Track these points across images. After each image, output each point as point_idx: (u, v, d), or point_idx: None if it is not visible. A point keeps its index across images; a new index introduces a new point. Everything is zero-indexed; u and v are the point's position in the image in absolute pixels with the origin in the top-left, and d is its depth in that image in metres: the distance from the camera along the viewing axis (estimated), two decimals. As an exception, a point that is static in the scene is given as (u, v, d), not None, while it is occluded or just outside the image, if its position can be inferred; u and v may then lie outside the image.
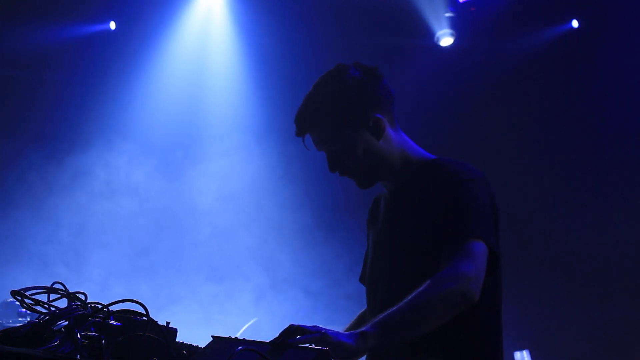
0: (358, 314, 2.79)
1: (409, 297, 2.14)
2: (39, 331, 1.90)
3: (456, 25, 7.47)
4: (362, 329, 2.07)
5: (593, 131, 7.38)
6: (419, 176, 2.50)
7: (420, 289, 2.15)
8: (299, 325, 2.02)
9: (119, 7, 7.58)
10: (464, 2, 7.32)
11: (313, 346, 1.91)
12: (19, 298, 2.09)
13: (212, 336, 2.10)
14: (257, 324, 6.26)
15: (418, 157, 2.55)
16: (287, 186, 7.74)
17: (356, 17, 7.39)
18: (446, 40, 7.55)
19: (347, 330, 2.71)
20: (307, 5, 7.32)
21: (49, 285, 2.16)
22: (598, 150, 7.38)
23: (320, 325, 2.05)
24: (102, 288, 7.02)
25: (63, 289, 2.17)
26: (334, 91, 2.48)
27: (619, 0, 7.22)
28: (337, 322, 2.99)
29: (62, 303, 2.13)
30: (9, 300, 4.58)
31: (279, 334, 2.01)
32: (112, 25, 7.73)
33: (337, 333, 2.03)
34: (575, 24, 7.42)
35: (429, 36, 7.60)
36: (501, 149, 7.55)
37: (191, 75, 7.95)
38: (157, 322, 2.01)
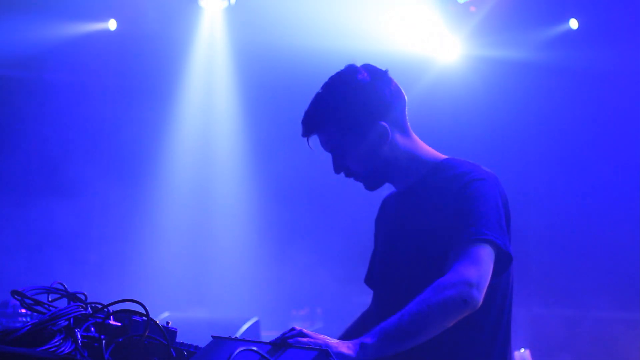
0: (359, 315, 2.78)
1: (410, 305, 2.12)
2: (39, 331, 1.89)
3: (455, 30, 7.47)
4: (362, 338, 2.06)
5: (592, 132, 7.38)
6: (429, 176, 2.48)
7: (422, 296, 2.14)
8: (301, 330, 2.01)
9: (119, 6, 7.56)
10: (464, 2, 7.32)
11: (312, 345, 1.92)
12: (19, 298, 2.08)
13: (212, 336, 2.10)
14: (257, 324, 6.26)
15: (429, 158, 2.52)
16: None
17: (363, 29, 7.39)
18: (451, 52, 7.60)
19: (346, 331, 2.70)
20: (306, 14, 7.31)
21: (49, 285, 2.16)
22: (597, 151, 7.37)
23: (322, 335, 2.04)
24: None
25: (63, 289, 2.17)
26: (341, 97, 2.46)
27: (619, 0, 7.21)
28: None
29: (62, 303, 2.13)
30: (9, 301, 4.58)
31: (280, 335, 2.01)
32: (113, 24, 7.71)
33: (338, 343, 2.02)
34: (574, 24, 7.39)
35: (432, 46, 7.62)
36: (501, 150, 7.55)
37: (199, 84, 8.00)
38: (157, 322, 2.01)
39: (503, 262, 2.31)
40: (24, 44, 7.30)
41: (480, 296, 2.17)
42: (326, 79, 2.54)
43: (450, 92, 7.67)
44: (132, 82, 7.82)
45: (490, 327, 2.40)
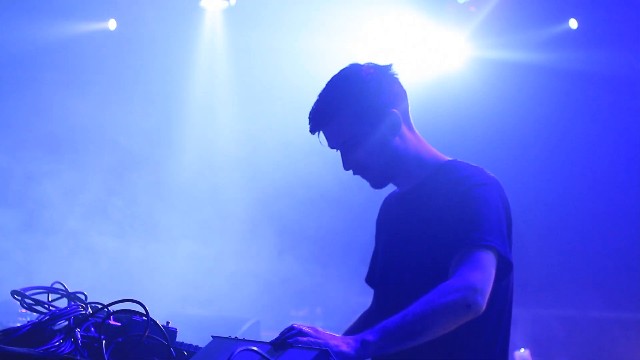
0: (359, 315, 2.78)
1: (413, 305, 2.12)
2: (39, 331, 1.90)
3: (456, 30, 7.47)
4: (363, 335, 2.06)
5: (591, 132, 7.38)
6: (433, 178, 2.48)
7: (426, 297, 2.14)
8: (301, 328, 2.01)
9: (119, 6, 7.54)
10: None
11: (312, 345, 1.91)
12: (19, 298, 2.08)
13: (212, 336, 2.10)
14: (257, 324, 6.26)
15: (433, 159, 2.53)
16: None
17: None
18: (452, 53, 7.59)
19: (347, 332, 2.69)
20: (307, 15, 7.30)
21: (49, 285, 2.16)
22: (597, 152, 7.37)
23: (321, 330, 2.04)
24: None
25: (63, 289, 2.17)
26: (350, 86, 2.45)
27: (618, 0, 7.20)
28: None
29: (62, 303, 2.13)
30: (9, 300, 4.58)
31: (280, 334, 2.01)
32: (112, 24, 7.70)
33: (338, 340, 2.01)
34: (574, 24, 7.38)
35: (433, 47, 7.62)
36: (499, 151, 7.55)
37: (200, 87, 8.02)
38: (157, 322, 2.01)
39: (503, 269, 2.32)
40: (23, 43, 7.29)
41: (483, 302, 2.17)
42: (327, 79, 2.53)
43: (450, 93, 7.66)
44: (132, 82, 7.82)
45: (489, 331, 2.41)
